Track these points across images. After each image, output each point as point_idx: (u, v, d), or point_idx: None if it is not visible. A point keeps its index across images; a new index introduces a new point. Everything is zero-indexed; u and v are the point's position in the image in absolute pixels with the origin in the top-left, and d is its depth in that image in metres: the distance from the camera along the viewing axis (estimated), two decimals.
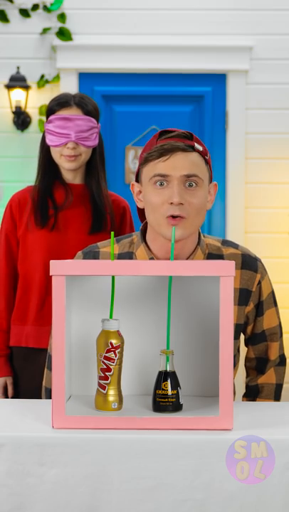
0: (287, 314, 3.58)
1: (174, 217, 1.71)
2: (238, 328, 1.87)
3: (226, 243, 1.87)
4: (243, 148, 4.20)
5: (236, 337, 1.86)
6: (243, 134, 4.20)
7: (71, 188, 2.50)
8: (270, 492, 1.41)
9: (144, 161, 1.75)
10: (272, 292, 1.90)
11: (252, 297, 1.85)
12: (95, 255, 1.85)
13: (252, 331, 1.90)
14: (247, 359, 1.95)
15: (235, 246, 1.87)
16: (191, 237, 1.79)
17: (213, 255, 1.84)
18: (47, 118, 2.48)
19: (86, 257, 1.86)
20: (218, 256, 1.84)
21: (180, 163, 1.70)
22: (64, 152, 2.44)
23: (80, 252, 1.88)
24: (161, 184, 1.72)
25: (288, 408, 1.71)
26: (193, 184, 1.72)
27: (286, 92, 4.19)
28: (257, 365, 1.93)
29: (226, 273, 1.47)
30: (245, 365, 1.96)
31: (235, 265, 1.82)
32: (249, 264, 1.85)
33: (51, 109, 2.47)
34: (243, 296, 1.84)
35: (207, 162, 1.76)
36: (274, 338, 1.91)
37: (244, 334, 1.92)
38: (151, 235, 1.82)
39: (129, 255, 1.84)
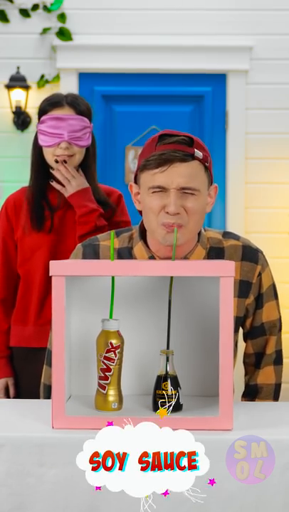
0: (287, 314, 3.58)
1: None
2: (238, 321, 1.86)
3: (227, 235, 1.86)
4: (243, 148, 4.20)
5: (235, 330, 1.85)
6: (243, 134, 4.20)
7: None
8: (270, 492, 1.41)
9: (142, 168, 1.73)
10: (273, 285, 1.89)
11: (252, 289, 1.84)
12: (95, 248, 1.85)
13: (251, 324, 1.89)
14: (245, 355, 1.93)
15: (237, 237, 1.86)
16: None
17: (214, 248, 1.84)
18: (39, 118, 2.46)
19: (86, 249, 1.85)
20: (219, 249, 1.84)
21: (177, 175, 1.69)
22: (57, 152, 2.42)
23: (79, 245, 1.88)
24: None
25: (288, 408, 1.71)
26: (190, 194, 1.71)
27: (286, 92, 4.19)
28: (255, 361, 1.92)
29: (225, 273, 1.47)
30: (244, 362, 1.95)
31: (236, 257, 1.83)
32: (250, 255, 1.84)
33: (43, 110, 2.45)
34: (243, 288, 1.84)
35: (207, 168, 1.75)
36: (273, 332, 1.89)
37: (243, 328, 1.91)
38: (149, 234, 1.82)
39: (128, 250, 1.84)
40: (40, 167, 2.48)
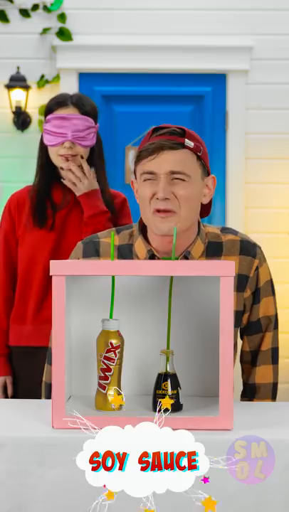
0: (287, 314, 3.58)
1: (160, 211, 1.74)
2: (238, 315, 1.87)
3: (226, 230, 1.88)
4: (243, 148, 4.20)
5: (236, 325, 1.85)
6: (243, 134, 4.20)
7: (70, 188, 2.50)
8: (270, 492, 1.41)
9: (137, 159, 1.79)
10: (271, 281, 1.89)
11: (249, 283, 1.85)
12: (95, 245, 1.86)
13: (248, 319, 1.89)
14: (242, 353, 1.93)
15: (235, 232, 1.88)
16: (191, 228, 1.81)
17: (213, 243, 1.85)
18: (45, 118, 2.48)
19: (86, 246, 1.87)
20: (217, 243, 1.85)
21: (166, 161, 1.73)
22: (60, 152, 2.44)
23: (80, 243, 1.89)
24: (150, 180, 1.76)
25: (288, 408, 1.71)
26: (180, 180, 1.75)
27: (286, 92, 4.19)
28: (251, 359, 1.92)
29: (226, 273, 1.47)
30: (241, 360, 1.94)
31: (234, 251, 1.84)
32: (248, 250, 1.86)
33: (49, 109, 2.48)
34: (241, 282, 1.85)
35: (200, 157, 1.78)
36: (269, 328, 1.90)
37: (240, 324, 1.91)
38: (148, 229, 1.84)
39: (128, 247, 1.85)
40: (46, 166, 2.50)
